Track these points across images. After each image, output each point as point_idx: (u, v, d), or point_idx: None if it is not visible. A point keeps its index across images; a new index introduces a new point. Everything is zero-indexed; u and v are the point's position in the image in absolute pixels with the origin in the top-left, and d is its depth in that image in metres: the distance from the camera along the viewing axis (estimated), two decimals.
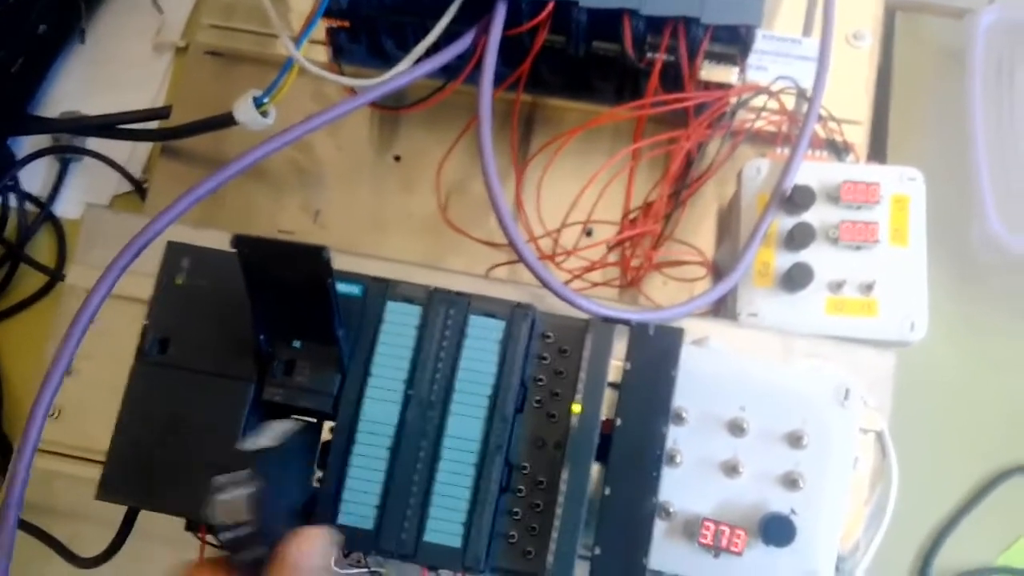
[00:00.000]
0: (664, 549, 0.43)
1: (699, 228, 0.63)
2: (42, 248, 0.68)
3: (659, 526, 0.43)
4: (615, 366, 0.41)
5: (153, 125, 0.67)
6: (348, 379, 0.40)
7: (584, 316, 0.43)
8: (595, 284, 0.59)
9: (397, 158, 0.65)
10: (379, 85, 0.52)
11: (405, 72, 0.52)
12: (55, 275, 0.66)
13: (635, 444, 0.39)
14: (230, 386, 0.40)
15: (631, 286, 0.60)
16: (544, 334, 0.41)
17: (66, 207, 0.69)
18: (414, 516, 0.39)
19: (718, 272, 0.61)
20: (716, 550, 0.42)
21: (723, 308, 0.57)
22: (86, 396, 0.52)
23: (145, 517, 0.44)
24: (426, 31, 0.53)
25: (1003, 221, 0.58)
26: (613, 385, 0.41)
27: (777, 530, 0.42)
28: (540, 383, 0.41)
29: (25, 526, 0.50)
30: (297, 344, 0.40)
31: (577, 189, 0.58)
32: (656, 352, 0.40)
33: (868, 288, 0.53)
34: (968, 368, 0.61)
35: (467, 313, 0.41)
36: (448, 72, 0.57)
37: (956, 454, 0.59)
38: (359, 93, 0.52)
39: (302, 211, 0.64)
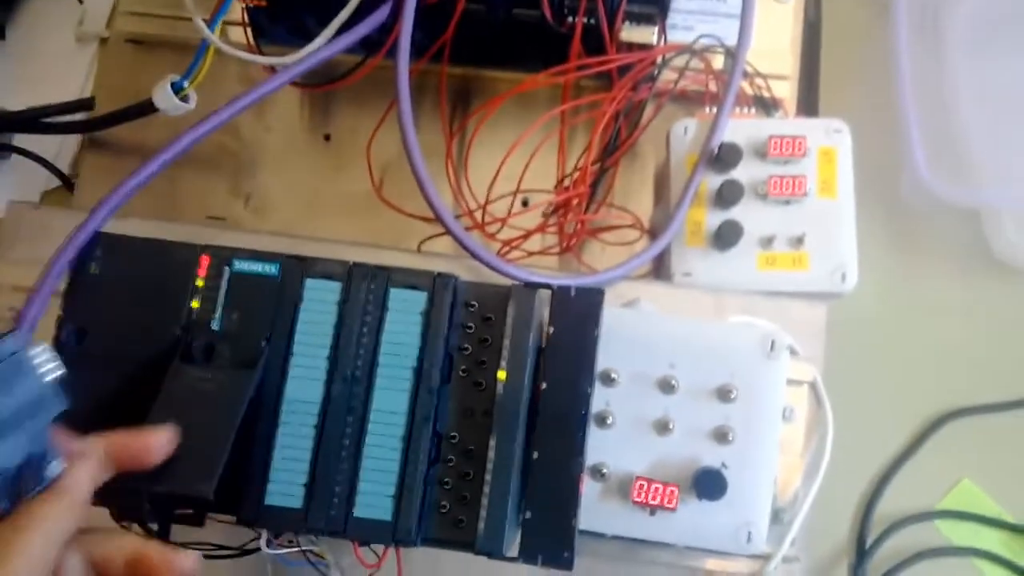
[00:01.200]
0: (600, 510, 0.43)
1: (638, 193, 0.63)
2: None
3: (594, 487, 0.44)
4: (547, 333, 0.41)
5: (80, 118, 0.65)
6: (270, 359, 0.40)
7: (507, 284, 0.42)
8: (531, 253, 0.59)
9: (327, 137, 0.65)
10: (298, 61, 0.51)
11: (324, 47, 0.51)
12: None
13: (561, 406, 0.39)
14: (151, 373, 0.39)
15: (567, 252, 0.60)
16: (468, 303, 0.41)
17: None
18: (343, 492, 0.38)
19: (654, 235, 0.61)
20: (651, 508, 0.43)
21: (661, 269, 0.57)
22: None
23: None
24: (345, 6, 0.52)
25: (931, 169, 0.59)
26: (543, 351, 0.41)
27: (709, 484, 0.42)
28: (466, 352, 0.41)
29: None
30: (217, 327, 0.40)
31: (511, 161, 0.57)
32: (578, 314, 0.40)
33: (798, 242, 0.53)
34: (901, 316, 0.62)
35: (388, 286, 0.41)
36: (371, 47, 0.56)
37: (892, 402, 0.60)
38: (279, 71, 0.51)
39: (233, 196, 0.63)
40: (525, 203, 0.61)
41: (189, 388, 0.38)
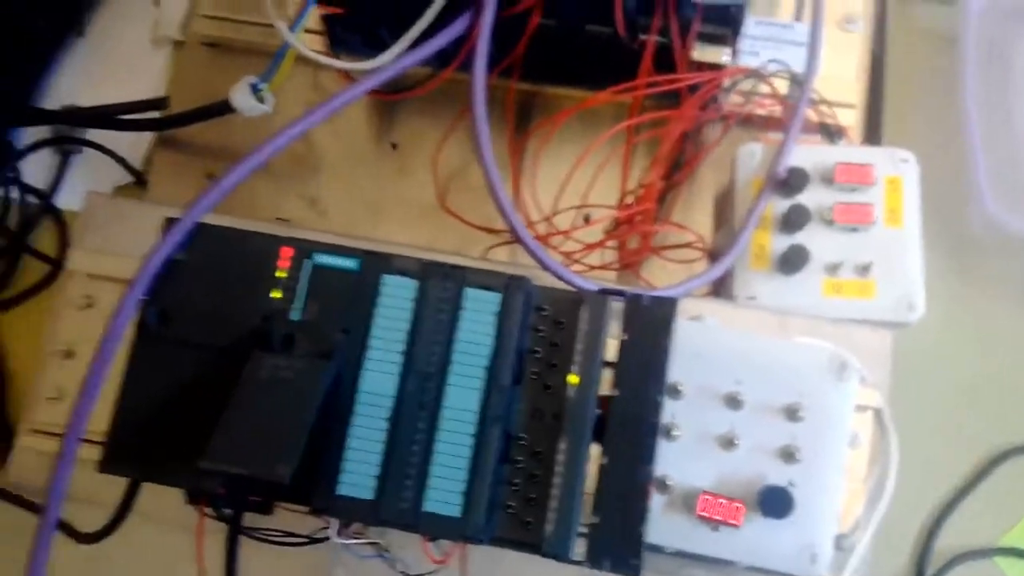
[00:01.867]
0: (663, 523, 0.43)
1: (696, 214, 0.63)
2: (44, 239, 0.68)
3: (658, 500, 0.43)
4: (611, 344, 0.42)
5: (154, 116, 0.67)
6: (347, 351, 0.40)
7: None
8: (592, 267, 0.59)
9: (394, 145, 0.66)
10: (380, 69, 0.52)
11: (406, 56, 0.52)
12: (57, 265, 0.67)
13: (632, 414, 0.39)
14: (231, 359, 0.40)
15: (627, 269, 0.60)
16: (539, 307, 0.41)
17: (68, 199, 0.69)
18: (414, 486, 0.39)
19: (716, 256, 0.61)
20: (715, 523, 0.42)
21: (721, 292, 0.57)
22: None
23: (145, 499, 0.44)
24: (420, 16, 0.53)
25: (997, 201, 0.59)
26: (608, 363, 0.41)
27: (775, 502, 0.42)
28: (537, 355, 0.41)
29: (28, 505, 0.50)
30: (296, 317, 0.41)
31: (575, 175, 0.58)
32: (651, 323, 0.41)
33: (864, 269, 0.53)
34: (965, 347, 0.61)
35: (463, 285, 0.41)
36: (444, 59, 0.57)
37: (956, 434, 0.59)
38: (361, 78, 0.52)
39: (300, 199, 0.65)
40: (586, 219, 0.62)
41: (268, 376, 0.39)
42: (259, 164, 0.45)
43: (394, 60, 0.53)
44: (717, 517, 0.42)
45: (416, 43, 0.53)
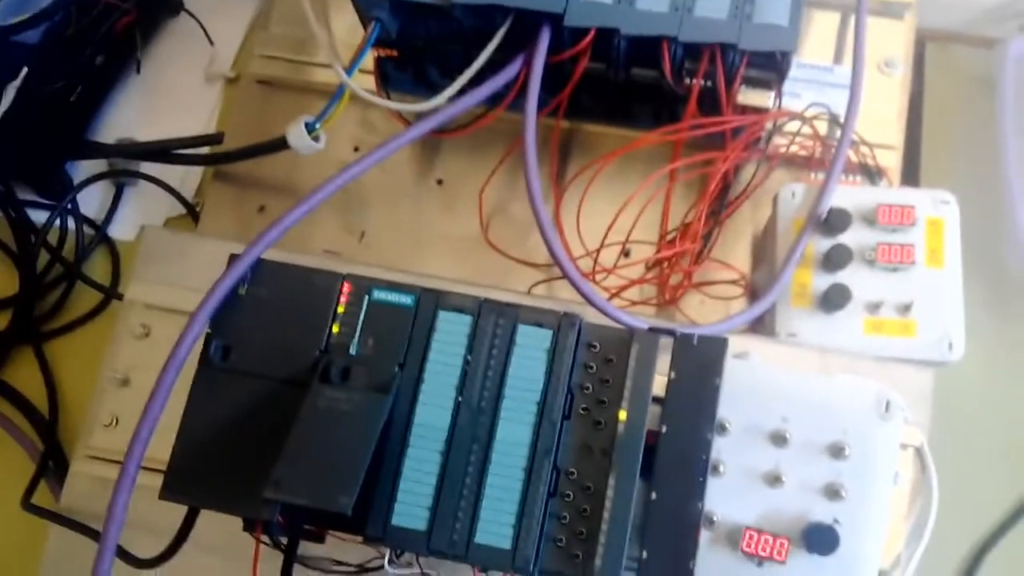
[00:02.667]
0: (708, 558, 0.44)
1: (734, 251, 0.64)
2: (97, 268, 0.71)
3: (703, 535, 0.44)
4: (658, 380, 0.43)
5: (206, 151, 0.69)
6: (402, 385, 0.41)
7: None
8: (633, 303, 0.60)
9: (439, 181, 0.67)
10: (438, 112, 0.54)
11: (458, 100, 0.54)
12: (109, 293, 0.69)
13: (681, 450, 0.40)
14: (289, 391, 0.41)
15: (669, 304, 0.61)
16: (590, 344, 0.42)
17: (121, 229, 0.71)
18: (465, 518, 0.40)
19: (754, 293, 0.62)
20: (759, 559, 0.43)
21: (760, 329, 0.58)
22: (141, 406, 0.54)
23: (198, 527, 0.45)
24: (470, 59, 0.55)
25: None
26: (657, 400, 0.42)
27: (821, 538, 0.42)
28: (587, 391, 0.42)
29: (85, 530, 0.51)
30: (354, 351, 0.42)
31: (614, 211, 0.59)
32: (700, 361, 0.42)
33: (906, 309, 0.54)
34: (1006, 386, 0.61)
35: (516, 322, 0.42)
36: (493, 100, 0.59)
37: (995, 471, 0.59)
38: (417, 121, 0.54)
39: (347, 232, 0.66)
40: (627, 254, 0.63)
41: (328, 408, 0.40)
42: (319, 203, 0.47)
43: (447, 103, 0.54)
44: (762, 553, 0.43)
45: (466, 85, 0.55)
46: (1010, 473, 0.59)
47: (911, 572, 0.47)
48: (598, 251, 0.59)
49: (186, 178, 0.72)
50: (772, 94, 0.56)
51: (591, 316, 0.49)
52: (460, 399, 0.41)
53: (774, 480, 0.44)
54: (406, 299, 0.43)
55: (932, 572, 0.57)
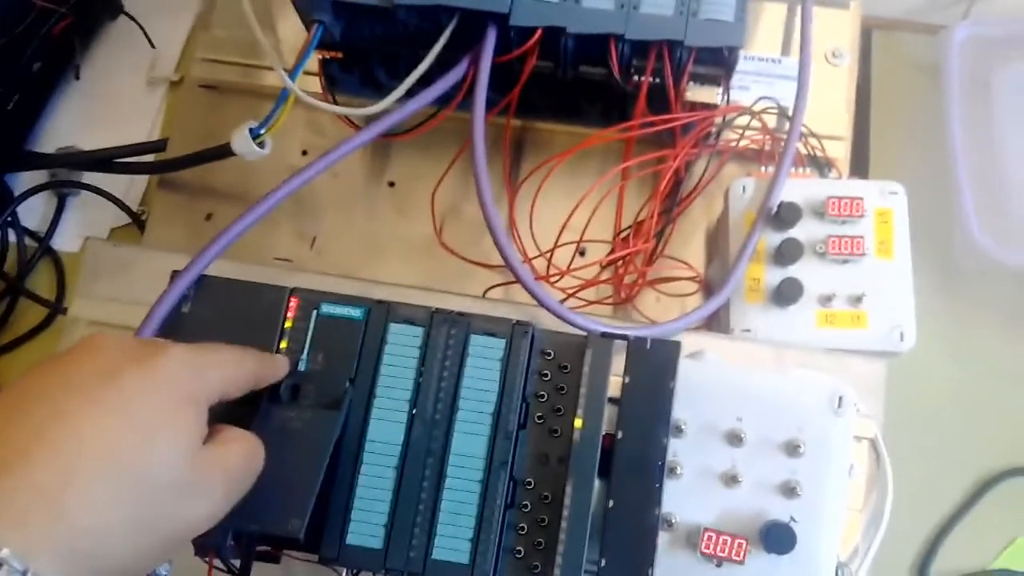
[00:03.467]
0: (667, 560, 0.44)
1: (688, 245, 0.64)
2: (41, 282, 0.69)
3: (662, 537, 0.44)
4: (614, 381, 0.42)
5: (150, 158, 0.68)
6: (353, 400, 0.41)
7: (581, 333, 0.44)
8: (589, 302, 0.60)
9: (391, 184, 0.66)
10: (387, 115, 0.53)
11: (407, 102, 0.53)
12: (55, 308, 0.67)
13: (637, 456, 0.40)
14: (238, 410, 0.40)
15: (625, 303, 0.61)
16: (544, 351, 0.42)
17: (64, 241, 0.69)
18: (422, 534, 0.39)
19: (709, 288, 0.62)
20: (718, 559, 0.43)
21: (715, 324, 0.58)
22: None
23: None
24: (417, 60, 0.54)
25: (984, 230, 0.60)
26: (613, 400, 0.42)
27: (778, 538, 0.42)
28: (542, 399, 0.42)
29: None
30: (303, 367, 0.41)
31: (568, 209, 0.59)
32: (654, 365, 0.41)
33: (857, 300, 0.54)
34: (956, 374, 0.62)
35: (468, 332, 0.42)
36: (442, 100, 0.58)
37: (949, 459, 0.60)
38: (371, 123, 0.53)
39: (298, 238, 0.65)
40: (582, 253, 0.63)
41: (277, 428, 0.39)
42: (265, 213, 0.46)
43: (395, 105, 0.53)
44: (721, 554, 0.43)
45: (414, 86, 0.54)
46: (963, 460, 0.61)
47: (869, 562, 0.48)
48: (552, 252, 0.59)
49: (131, 187, 0.70)
50: (720, 89, 0.56)
51: (547, 318, 0.49)
52: (413, 413, 0.41)
53: (731, 480, 0.44)
54: (355, 312, 0.42)
55: (890, 562, 0.58)
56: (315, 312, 0.42)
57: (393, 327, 0.42)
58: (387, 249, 0.65)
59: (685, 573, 0.44)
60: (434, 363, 0.41)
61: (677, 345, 0.42)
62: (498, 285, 0.59)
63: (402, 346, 0.42)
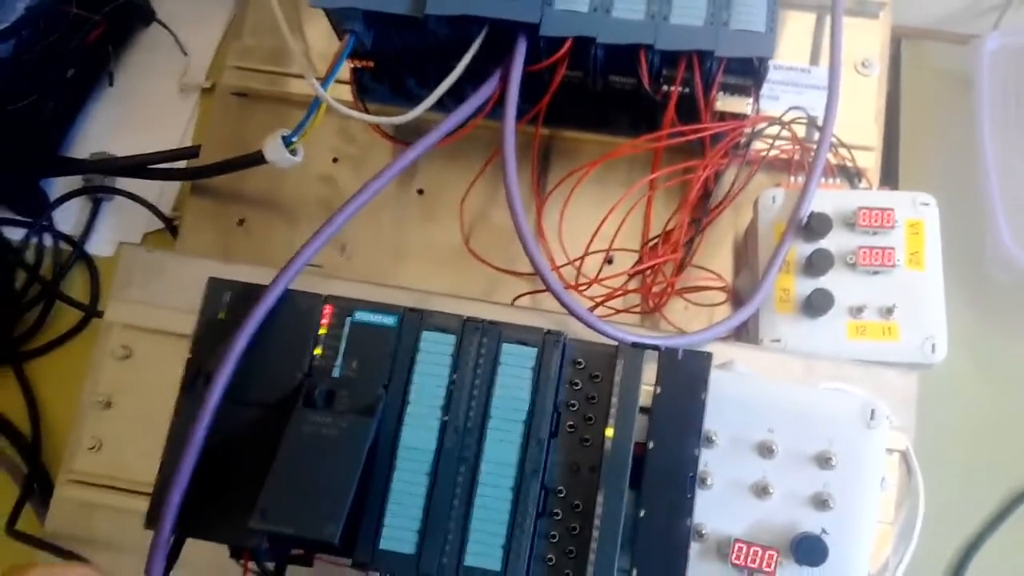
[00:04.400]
0: (698, 570, 0.44)
1: (716, 255, 0.64)
2: (76, 286, 0.70)
3: (693, 548, 0.44)
4: (644, 391, 0.43)
5: (182, 164, 0.69)
6: (386, 407, 0.41)
7: (612, 342, 0.44)
8: (617, 311, 0.60)
9: (420, 191, 0.67)
10: (434, 129, 0.53)
11: (452, 116, 0.54)
12: (89, 311, 0.68)
13: (668, 466, 0.40)
14: (274, 416, 0.41)
15: (653, 312, 0.61)
16: (575, 360, 0.42)
17: (98, 245, 0.71)
18: (454, 540, 0.40)
19: (737, 298, 0.62)
20: (749, 570, 0.43)
21: (744, 334, 0.58)
22: (124, 429, 0.54)
23: (186, 552, 0.45)
24: (447, 69, 0.55)
25: (1016, 241, 0.59)
26: (644, 410, 0.42)
27: (810, 550, 0.42)
28: (573, 408, 0.42)
29: (70, 557, 0.51)
30: (337, 374, 0.42)
31: (595, 218, 0.59)
32: (685, 376, 0.42)
33: (888, 312, 0.54)
34: (989, 387, 0.62)
35: (500, 341, 0.42)
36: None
37: (981, 472, 0.60)
38: (422, 137, 0.53)
39: (329, 244, 0.65)
40: (610, 261, 0.63)
41: (312, 433, 0.40)
42: (335, 232, 0.49)
43: (431, 117, 0.54)
44: (752, 565, 0.43)
45: (444, 96, 0.55)
46: (995, 473, 0.60)
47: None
48: (581, 260, 0.59)
49: (163, 192, 0.71)
50: (750, 99, 0.56)
51: (575, 327, 0.49)
52: (446, 420, 0.41)
53: (762, 491, 0.44)
54: (389, 320, 0.43)
55: (921, 574, 0.58)
56: (349, 319, 0.43)
57: (426, 335, 0.42)
58: (416, 256, 0.66)
59: None
60: (466, 371, 0.42)
61: (709, 356, 0.42)
62: (526, 294, 0.60)
63: (435, 354, 0.42)
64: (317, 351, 0.42)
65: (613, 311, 0.60)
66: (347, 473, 0.38)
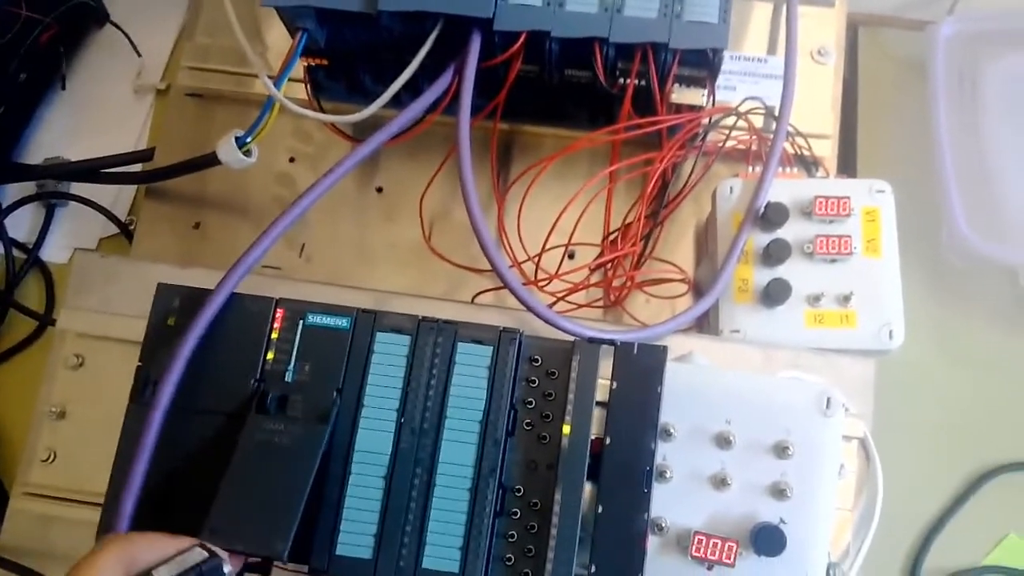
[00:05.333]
0: (658, 564, 0.44)
1: (678, 246, 0.64)
2: (31, 293, 0.69)
3: (652, 541, 0.44)
4: (602, 384, 0.42)
5: (137, 168, 0.68)
6: (341, 411, 0.41)
7: (570, 338, 0.44)
8: (579, 306, 0.60)
9: (379, 189, 0.66)
10: (387, 126, 0.53)
11: (406, 111, 0.53)
12: (44, 320, 0.67)
13: (625, 462, 0.40)
14: (226, 423, 0.40)
15: (614, 306, 0.61)
16: (531, 357, 0.42)
17: (53, 252, 0.69)
18: (411, 543, 0.39)
19: (698, 289, 0.62)
20: (709, 563, 0.43)
21: (705, 324, 0.58)
22: (79, 439, 0.53)
23: None
24: (403, 65, 0.54)
25: (971, 226, 0.60)
26: (601, 404, 0.42)
27: (768, 540, 0.42)
28: (530, 406, 0.42)
29: (23, 571, 0.50)
30: (290, 379, 0.41)
31: (557, 213, 0.59)
32: (641, 371, 0.41)
33: (845, 300, 0.54)
34: (946, 372, 0.62)
35: (455, 340, 0.42)
36: (428, 106, 0.58)
37: (939, 456, 0.60)
38: (373, 134, 0.52)
39: (287, 246, 0.65)
40: (571, 256, 0.63)
41: (264, 442, 0.39)
42: (281, 233, 0.48)
43: (384, 112, 0.54)
44: (711, 557, 0.43)
45: (401, 92, 0.54)
46: (954, 457, 0.60)
47: (860, 561, 0.48)
48: (540, 255, 0.59)
49: (119, 196, 0.70)
50: (706, 91, 0.56)
51: (536, 323, 0.49)
52: (401, 422, 0.41)
53: (720, 483, 0.44)
54: (342, 322, 0.42)
55: (882, 560, 0.58)
56: (301, 322, 0.42)
57: (380, 336, 0.42)
58: (377, 255, 0.65)
59: None
60: (421, 372, 0.41)
61: (664, 350, 0.42)
62: (488, 291, 0.59)
63: (389, 355, 0.42)
64: (270, 356, 0.42)
65: (575, 306, 0.60)
66: (298, 484, 0.38)
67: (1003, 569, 0.58)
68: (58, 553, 0.51)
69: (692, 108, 0.57)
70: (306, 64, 0.60)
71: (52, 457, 0.52)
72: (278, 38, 0.67)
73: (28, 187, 0.70)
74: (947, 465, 0.60)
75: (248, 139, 0.55)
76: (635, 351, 0.42)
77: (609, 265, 0.60)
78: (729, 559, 0.43)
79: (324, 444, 0.39)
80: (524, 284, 0.58)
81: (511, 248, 0.61)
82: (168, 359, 0.40)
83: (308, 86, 0.61)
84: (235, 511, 0.37)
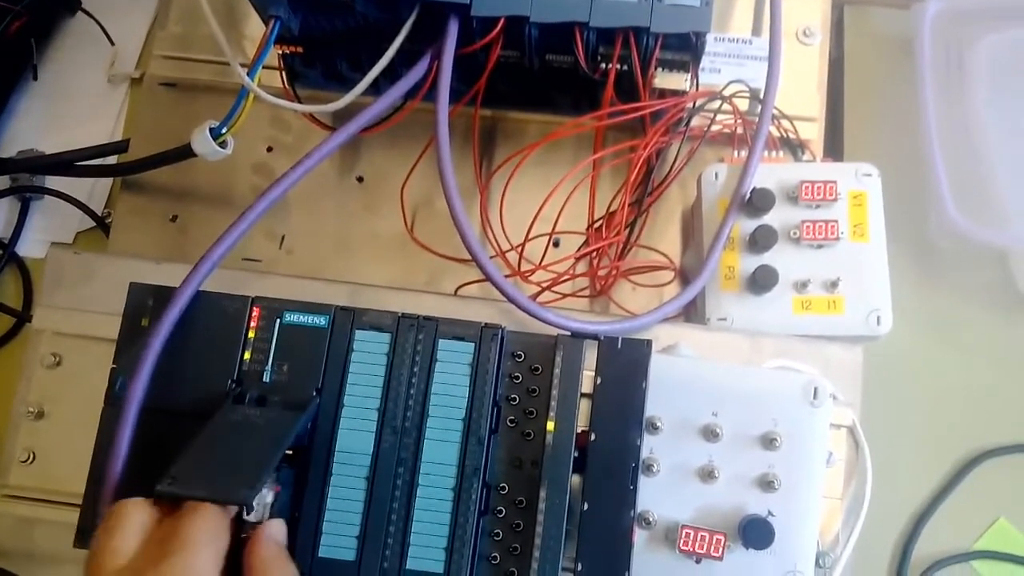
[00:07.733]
0: (646, 559, 0.43)
1: (665, 233, 0.63)
2: (7, 290, 0.67)
3: (640, 535, 0.44)
4: (588, 376, 0.42)
5: (113, 159, 0.66)
6: (321, 411, 0.40)
7: (553, 332, 0.43)
8: (565, 295, 0.59)
9: (360, 179, 0.65)
10: (362, 113, 0.52)
11: (382, 98, 0.52)
12: (21, 317, 0.65)
13: (610, 457, 0.40)
14: (201, 425, 0.39)
15: (600, 295, 0.60)
16: (514, 353, 0.41)
17: (29, 247, 0.68)
18: (395, 544, 0.39)
19: (685, 277, 0.61)
20: (697, 556, 0.43)
21: (692, 312, 0.57)
22: (57, 439, 0.52)
23: None
24: (379, 52, 0.53)
25: (960, 210, 0.59)
26: (587, 396, 0.42)
27: (756, 533, 0.42)
28: (513, 402, 0.41)
29: (6, 575, 0.49)
30: (268, 379, 0.40)
31: (541, 201, 0.58)
32: (625, 365, 0.41)
33: (833, 285, 0.54)
34: (934, 357, 0.62)
35: (436, 337, 0.41)
36: (408, 93, 0.56)
37: (928, 442, 0.60)
38: (345, 123, 0.51)
39: (268, 238, 0.64)
40: (556, 244, 0.62)
41: (238, 421, 0.38)
42: (251, 226, 0.45)
43: (361, 99, 0.52)
44: (699, 550, 0.42)
45: (379, 78, 0.53)
46: (943, 443, 0.60)
47: (849, 550, 0.48)
48: (523, 245, 0.58)
49: (95, 189, 0.68)
50: (689, 75, 0.55)
51: (520, 314, 0.48)
52: (383, 421, 0.40)
53: (708, 476, 0.43)
54: (320, 320, 0.41)
55: (872, 547, 0.58)
56: (278, 321, 0.41)
57: (359, 334, 0.41)
58: (358, 246, 0.64)
59: (664, 571, 0.43)
60: (402, 369, 0.41)
61: (648, 344, 0.41)
62: (471, 283, 0.59)
63: (369, 353, 0.41)
64: (246, 356, 0.41)
65: (560, 296, 0.59)
66: (268, 450, 0.36)
67: (993, 553, 0.58)
68: (41, 554, 0.51)
69: (676, 93, 0.56)
70: (281, 52, 0.58)
71: (31, 458, 0.52)
72: (254, 27, 0.65)
73: (2, 181, 0.68)
74: (936, 450, 0.60)
75: (223, 130, 0.54)
76: (619, 345, 0.41)
77: (594, 254, 0.59)
78: (717, 552, 0.42)
79: (299, 425, 0.38)
80: (508, 275, 0.57)
81: (495, 237, 0.60)
82: (137, 359, 0.39)
83: (283, 74, 0.60)
84: (200, 463, 0.35)
